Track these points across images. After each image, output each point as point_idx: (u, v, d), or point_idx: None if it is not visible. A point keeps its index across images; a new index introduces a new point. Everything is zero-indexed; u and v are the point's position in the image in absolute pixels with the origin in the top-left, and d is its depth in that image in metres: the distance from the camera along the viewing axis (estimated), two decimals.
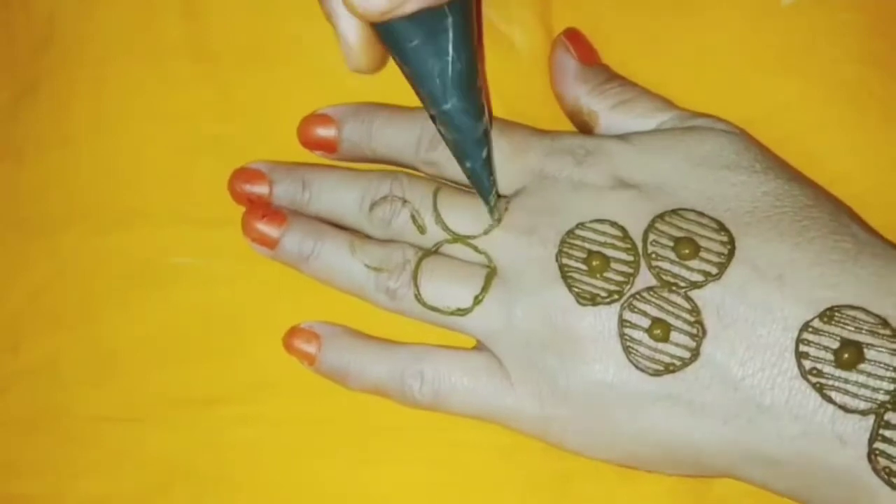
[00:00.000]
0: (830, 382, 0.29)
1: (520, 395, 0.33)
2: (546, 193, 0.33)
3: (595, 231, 0.32)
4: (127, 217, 0.37)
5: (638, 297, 0.31)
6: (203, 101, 0.38)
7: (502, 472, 0.35)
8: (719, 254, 0.31)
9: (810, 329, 0.30)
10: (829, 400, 0.29)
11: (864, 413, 0.29)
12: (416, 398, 0.34)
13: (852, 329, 0.29)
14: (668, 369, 0.31)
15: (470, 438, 0.35)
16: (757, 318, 0.30)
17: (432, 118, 0.32)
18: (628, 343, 0.31)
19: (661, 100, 0.35)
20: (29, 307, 0.37)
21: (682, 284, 0.31)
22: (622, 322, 0.31)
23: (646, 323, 0.31)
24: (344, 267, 0.35)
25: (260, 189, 0.36)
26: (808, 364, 0.30)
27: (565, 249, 0.32)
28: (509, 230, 0.33)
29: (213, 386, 0.36)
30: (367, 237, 0.35)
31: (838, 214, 0.32)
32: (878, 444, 0.29)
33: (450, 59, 0.30)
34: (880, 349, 0.29)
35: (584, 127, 0.36)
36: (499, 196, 0.34)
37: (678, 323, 0.31)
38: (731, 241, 0.31)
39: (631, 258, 0.32)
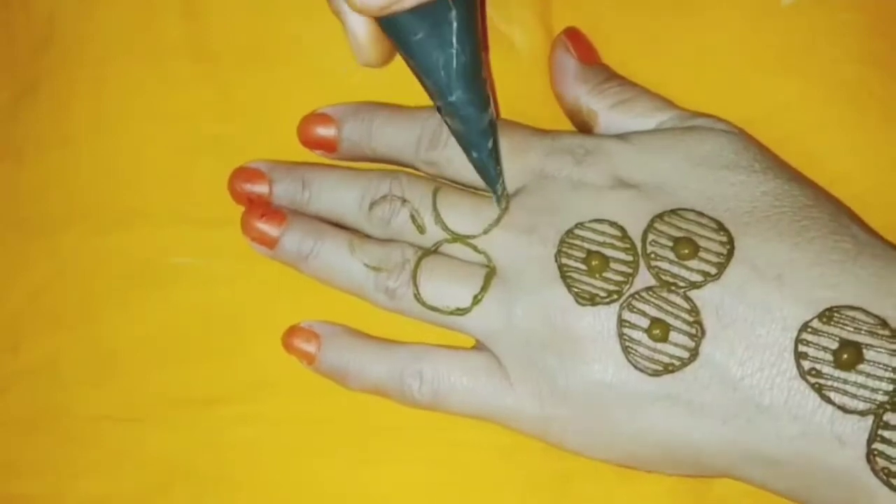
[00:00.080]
0: (829, 383, 0.29)
1: (519, 395, 0.33)
2: (545, 193, 0.33)
3: (594, 231, 0.32)
4: (127, 217, 0.37)
5: (637, 297, 0.31)
6: (203, 101, 0.38)
7: (502, 471, 0.35)
8: (718, 254, 0.31)
9: (809, 329, 0.30)
10: (828, 400, 0.29)
11: (862, 414, 0.29)
12: (416, 398, 0.34)
13: (851, 329, 0.29)
14: (668, 369, 0.31)
15: (470, 438, 0.35)
16: (756, 319, 0.30)
17: (438, 110, 0.33)
18: (627, 343, 0.31)
19: (661, 99, 0.35)
20: (29, 307, 0.37)
21: (682, 284, 0.31)
22: (621, 322, 0.31)
23: (645, 323, 0.31)
24: (343, 266, 0.35)
25: (260, 188, 0.36)
26: (807, 364, 0.30)
27: (565, 249, 0.32)
28: (509, 230, 0.33)
29: (213, 385, 0.36)
30: (367, 237, 0.35)
31: (838, 215, 0.32)
32: (877, 445, 0.29)
33: (454, 51, 0.31)
34: (879, 350, 0.29)
35: (583, 127, 0.36)
36: (505, 187, 0.34)
37: (677, 323, 0.31)
38: (731, 241, 0.31)
39: (630, 258, 0.32)
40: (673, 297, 0.31)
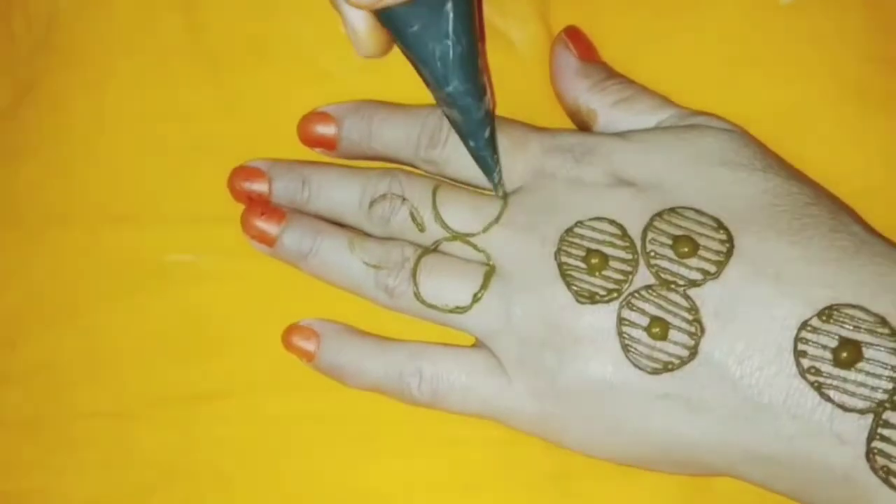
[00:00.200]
0: (829, 381, 0.29)
1: (518, 394, 0.33)
2: (545, 191, 0.33)
3: (594, 229, 0.32)
4: (125, 216, 0.37)
5: (637, 295, 0.31)
6: (203, 101, 0.38)
7: (502, 469, 0.35)
8: (718, 252, 0.31)
9: (809, 328, 0.30)
10: (828, 399, 0.29)
11: (862, 412, 0.29)
12: (415, 396, 0.34)
13: (851, 328, 0.29)
14: (667, 368, 0.31)
15: (469, 435, 0.35)
16: (755, 317, 0.30)
17: (437, 100, 0.33)
18: (627, 341, 0.31)
19: (661, 98, 0.35)
20: (26, 305, 0.37)
21: (681, 283, 0.31)
22: (621, 320, 0.31)
23: (644, 321, 0.31)
24: (343, 264, 0.35)
25: (259, 187, 0.36)
26: (806, 363, 0.30)
27: (564, 248, 0.32)
28: (508, 228, 0.34)
29: (210, 382, 0.36)
30: (367, 235, 0.35)
31: (838, 213, 0.32)
32: (877, 444, 0.29)
33: (450, 42, 0.31)
34: (879, 348, 0.29)
35: (583, 125, 0.36)
36: (502, 175, 0.34)
37: (677, 321, 0.31)
38: (730, 240, 0.31)
39: (630, 256, 0.32)
40: (672, 296, 0.31)
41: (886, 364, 0.29)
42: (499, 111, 0.36)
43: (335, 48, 0.36)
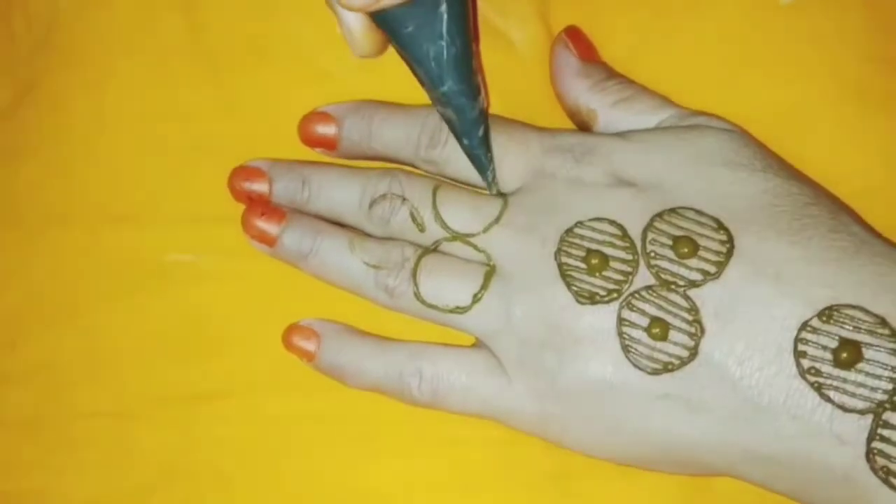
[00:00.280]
0: (829, 382, 0.29)
1: (518, 394, 0.33)
2: (545, 191, 0.33)
3: (594, 229, 0.32)
4: (125, 216, 0.37)
5: (637, 295, 0.31)
6: (203, 101, 0.38)
7: (502, 468, 0.35)
8: (718, 252, 0.31)
9: (809, 328, 0.30)
10: (828, 399, 0.29)
11: (862, 412, 0.29)
12: (415, 396, 0.34)
13: (851, 328, 0.29)
14: (667, 368, 0.31)
15: (470, 435, 0.35)
16: (755, 317, 0.30)
17: (431, 99, 0.33)
18: (627, 342, 0.31)
19: (661, 98, 0.35)
20: (26, 305, 0.37)
21: (681, 283, 0.31)
22: (621, 321, 0.31)
23: (644, 322, 0.31)
24: (343, 264, 0.35)
25: (259, 187, 0.36)
26: (806, 363, 0.30)
27: (564, 248, 0.32)
28: (508, 228, 0.34)
29: (210, 382, 0.36)
30: (367, 235, 0.35)
31: (837, 213, 0.32)
32: (877, 444, 0.29)
33: (444, 42, 0.31)
34: (879, 348, 0.29)
35: (583, 125, 0.36)
36: (496, 174, 0.34)
37: (677, 322, 0.31)
38: (730, 240, 0.31)
39: (630, 257, 0.32)
40: (672, 296, 0.31)
41: (886, 364, 0.29)
42: (499, 111, 0.36)
43: (335, 48, 0.36)
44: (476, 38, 0.34)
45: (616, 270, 0.32)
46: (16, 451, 0.36)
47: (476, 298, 0.33)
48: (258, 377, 0.36)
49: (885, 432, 0.29)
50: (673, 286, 0.31)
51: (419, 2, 0.31)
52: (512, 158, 0.34)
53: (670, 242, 0.31)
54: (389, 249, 0.35)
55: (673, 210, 0.32)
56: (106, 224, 0.37)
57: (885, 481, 0.29)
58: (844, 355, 0.29)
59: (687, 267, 0.31)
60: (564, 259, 0.32)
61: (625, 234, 0.32)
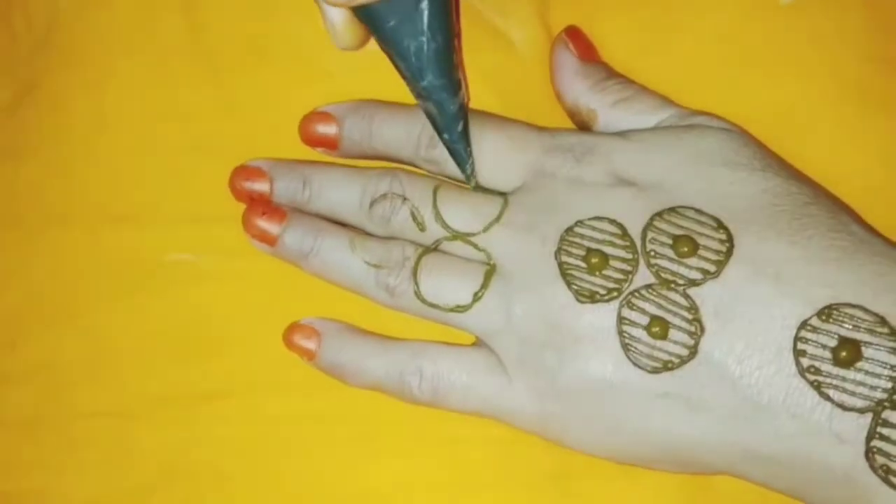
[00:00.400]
0: (828, 380, 0.29)
1: (518, 393, 0.33)
2: (545, 191, 0.33)
3: (594, 229, 0.32)
4: (125, 216, 0.37)
5: (637, 294, 0.31)
6: (203, 101, 0.38)
7: (503, 467, 0.35)
8: (718, 252, 0.31)
9: (808, 327, 0.30)
10: (827, 398, 0.29)
11: (861, 411, 0.29)
12: (415, 395, 0.34)
13: (850, 327, 0.29)
14: (667, 367, 0.31)
15: (470, 434, 0.35)
16: (755, 316, 0.30)
17: (412, 93, 0.34)
18: (627, 340, 0.31)
19: (661, 97, 0.35)
20: (26, 304, 0.37)
21: (681, 282, 0.31)
22: (621, 320, 0.31)
23: (644, 320, 0.31)
24: (344, 263, 0.35)
25: (260, 186, 0.36)
26: (805, 362, 0.30)
27: (564, 247, 0.32)
28: (509, 227, 0.34)
29: (210, 382, 0.36)
30: (368, 234, 0.35)
31: (837, 213, 0.32)
32: (876, 443, 0.29)
33: (425, 38, 0.32)
34: (878, 347, 0.29)
35: (583, 125, 0.36)
36: (474, 167, 0.34)
37: (677, 321, 0.31)
38: (730, 239, 0.31)
39: (630, 256, 0.32)
40: (672, 295, 0.31)
41: (886, 363, 0.29)
42: (499, 111, 0.36)
43: (335, 48, 0.36)
44: (458, 34, 0.34)
45: (616, 269, 0.32)
46: (16, 451, 0.36)
47: (476, 297, 0.33)
48: (258, 377, 0.36)
49: (885, 431, 0.29)
50: (673, 285, 0.31)
51: None
52: (512, 158, 0.34)
53: (670, 241, 0.31)
54: (390, 248, 0.35)
55: (673, 209, 0.32)
56: (106, 224, 0.37)
57: (885, 480, 0.29)
58: (844, 354, 0.29)
59: (687, 266, 0.31)
60: (564, 258, 0.32)
61: (625, 234, 0.32)
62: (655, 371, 0.31)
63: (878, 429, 0.29)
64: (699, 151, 0.33)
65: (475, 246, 0.34)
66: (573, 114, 0.36)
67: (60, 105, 0.38)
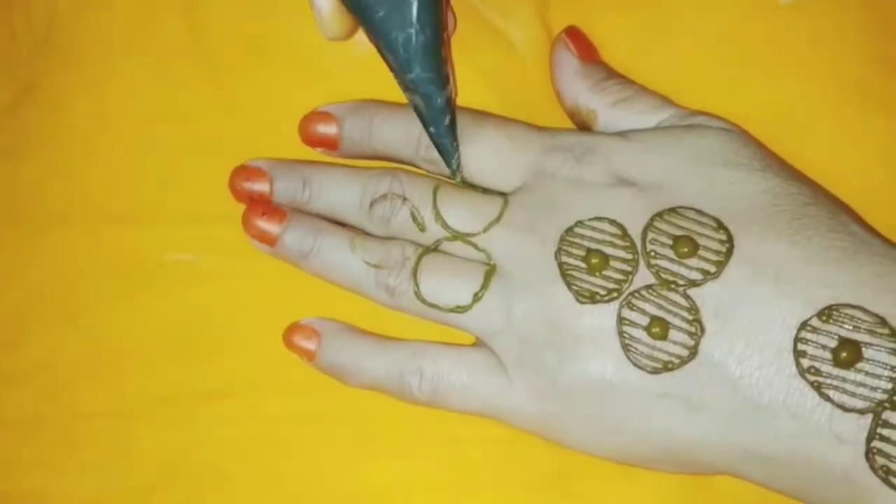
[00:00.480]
0: (828, 381, 0.29)
1: (518, 393, 0.33)
2: (545, 191, 0.33)
3: (594, 229, 0.32)
4: (126, 216, 0.37)
5: (637, 295, 0.31)
6: (203, 101, 0.38)
7: (503, 467, 0.35)
8: (718, 252, 0.31)
9: (808, 328, 0.30)
10: (827, 398, 0.29)
11: (861, 412, 0.29)
12: (415, 395, 0.34)
13: (851, 328, 0.29)
14: (667, 367, 0.31)
15: (470, 434, 0.35)
16: (755, 317, 0.30)
17: (400, 85, 0.34)
18: (627, 341, 0.31)
19: (661, 98, 0.35)
20: (27, 304, 0.37)
21: (681, 283, 0.31)
22: (621, 320, 0.31)
23: (645, 321, 0.31)
24: (344, 264, 0.35)
25: (260, 186, 0.36)
26: (806, 362, 0.30)
27: (564, 247, 0.32)
28: (509, 228, 0.34)
29: (210, 382, 0.36)
30: (368, 235, 0.35)
31: (837, 213, 0.32)
32: (876, 443, 0.29)
33: (413, 30, 0.32)
34: (878, 348, 0.29)
35: (583, 125, 0.36)
36: (460, 162, 0.34)
37: (677, 321, 0.31)
38: (730, 240, 0.31)
39: (630, 256, 0.32)
40: (672, 296, 0.31)
41: (886, 364, 0.29)
42: (499, 111, 0.36)
43: (335, 48, 0.36)
44: (447, 28, 0.34)
45: (616, 270, 0.32)
46: (16, 451, 0.36)
47: (476, 298, 0.33)
48: (258, 377, 0.36)
49: (885, 431, 0.29)
50: (673, 285, 0.31)
51: None
52: (512, 158, 0.34)
53: (670, 242, 0.31)
54: (390, 249, 0.35)
55: (673, 210, 0.32)
56: (106, 224, 0.37)
57: (885, 480, 0.29)
58: (844, 355, 0.29)
59: (687, 266, 0.31)
60: (565, 258, 0.32)
61: (625, 234, 0.32)
62: (655, 371, 0.31)
63: (879, 429, 0.29)
64: (699, 152, 0.33)
65: (475, 246, 0.34)
66: (573, 114, 0.36)
67: (60, 105, 0.38)
